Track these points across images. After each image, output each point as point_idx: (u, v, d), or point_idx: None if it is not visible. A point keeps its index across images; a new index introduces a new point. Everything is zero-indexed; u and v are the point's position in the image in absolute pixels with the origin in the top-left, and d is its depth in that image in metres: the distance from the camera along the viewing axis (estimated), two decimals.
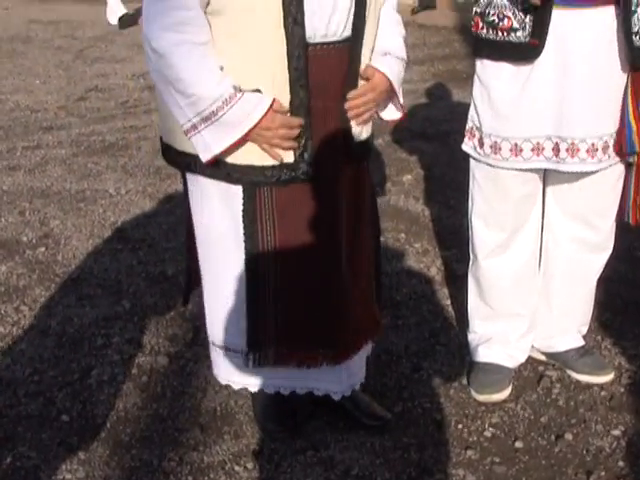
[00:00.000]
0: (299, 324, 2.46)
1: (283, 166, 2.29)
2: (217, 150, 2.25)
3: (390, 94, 2.49)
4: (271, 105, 2.21)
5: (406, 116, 2.60)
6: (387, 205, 4.58)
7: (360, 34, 2.31)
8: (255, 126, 2.21)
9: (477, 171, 2.87)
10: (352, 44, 2.30)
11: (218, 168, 2.31)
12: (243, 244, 2.38)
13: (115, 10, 13.05)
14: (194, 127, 2.23)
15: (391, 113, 2.58)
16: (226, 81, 2.19)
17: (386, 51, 2.44)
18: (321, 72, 2.24)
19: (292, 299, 2.44)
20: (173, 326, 3.47)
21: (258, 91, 2.21)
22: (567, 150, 2.66)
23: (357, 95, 2.36)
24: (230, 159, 2.29)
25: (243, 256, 2.39)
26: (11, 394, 3.04)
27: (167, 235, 4.35)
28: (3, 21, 13.46)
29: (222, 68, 2.21)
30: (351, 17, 2.26)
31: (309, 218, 2.37)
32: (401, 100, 2.54)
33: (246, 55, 2.20)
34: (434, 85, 7.18)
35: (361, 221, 2.52)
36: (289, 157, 2.29)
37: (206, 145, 2.25)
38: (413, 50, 8.79)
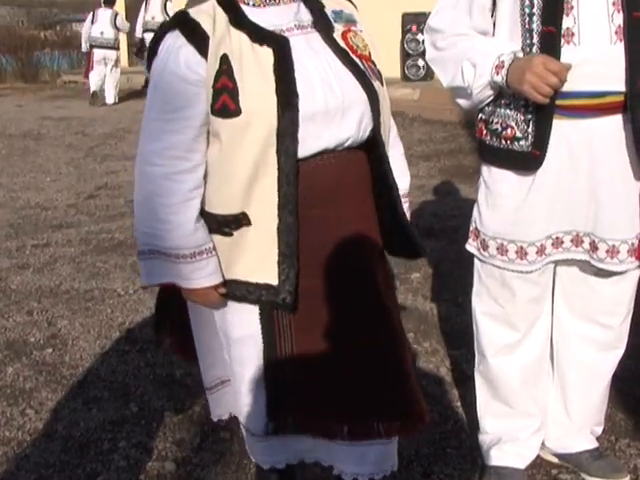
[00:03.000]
0: (317, 400, 2.42)
1: (265, 287, 2.28)
2: (154, 281, 2.39)
3: None
4: (216, 287, 2.31)
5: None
6: None
7: (379, 142, 2.33)
8: (193, 290, 2.31)
9: (483, 271, 2.87)
10: (374, 151, 2.33)
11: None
12: (261, 345, 2.35)
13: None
14: (151, 252, 2.32)
15: None
16: (198, 235, 2.27)
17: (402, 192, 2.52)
18: (321, 181, 2.26)
19: (311, 383, 2.39)
20: (181, 430, 3.43)
21: (244, 214, 2.23)
22: (571, 241, 2.68)
23: None
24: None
25: (261, 357, 2.37)
26: None
27: None
28: (16, 118, 13.72)
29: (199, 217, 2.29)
30: (361, 131, 2.28)
31: (325, 321, 2.34)
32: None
33: (237, 177, 2.21)
34: (441, 181, 7.25)
35: (383, 308, 2.47)
36: (273, 279, 2.27)
37: (150, 273, 2.36)
38: (419, 145, 8.91)
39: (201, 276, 2.29)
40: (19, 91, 19.58)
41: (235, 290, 2.31)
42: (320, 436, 2.43)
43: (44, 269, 5.56)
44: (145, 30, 15.01)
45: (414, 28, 12.65)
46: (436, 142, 8.97)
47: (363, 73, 2.28)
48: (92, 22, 15.16)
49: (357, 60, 2.30)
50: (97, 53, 15.07)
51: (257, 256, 2.27)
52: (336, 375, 2.36)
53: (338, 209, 2.30)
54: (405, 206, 2.51)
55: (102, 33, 15.01)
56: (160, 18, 14.25)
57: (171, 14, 14.09)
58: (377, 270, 2.42)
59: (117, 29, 15.26)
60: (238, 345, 2.38)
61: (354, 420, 2.41)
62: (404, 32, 12.82)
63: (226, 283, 2.32)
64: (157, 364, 4.01)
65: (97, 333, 4.44)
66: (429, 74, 11.84)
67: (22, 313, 4.77)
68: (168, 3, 14.97)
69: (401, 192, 2.48)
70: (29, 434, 3.44)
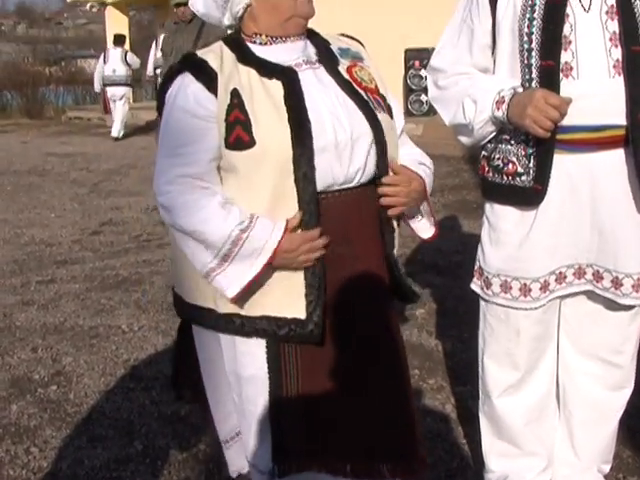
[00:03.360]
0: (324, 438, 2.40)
1: (294, 321, 2.26)
2: (237, 289, 2.22)
3: (421, 204, 2.48)
4: (285, 227, 2.20)
5: (437, 235, 2.58)
6: None
7: (384, 176, 2.33)
8: (274, 254, 2.19)
9: (487, 310, 2.87)
10: (374, 190, 2.32)
11: (231, 321, 2.30)
12: (268, 385, 2.34)
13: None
14: (212, 270, 2.24)
15: (425, 229, 2.55)
16: (230, 220, 2.19)
17: (421, 162, 2.48)
18: (336, 219, 2.26)
19: (317, 421, 2.38)
20: (186, 469, 3.40)
21: None
22: (573, 274, 2.68)
23: (391, 181, 2.33)
24: (244, 312, 2.28)
25: (267, 396, 2.35)
26: None
27: None
28: (21, 154, 13.81)
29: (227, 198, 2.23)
30: (369, 164, 2.29)
31: (331, 361, 2.33)
32: (434, 218, 2.55)
33: (257, 209, 2.21)
34: (445, 216, 7.26)
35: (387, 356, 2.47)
36: (301, 313, 2.26)
37: (229, 283, 2.23)
38: None
39: (265, 238, 2.18)
40: (24, 127, 19.72)
41: (265, 326, 2.28)
42: (323, 472, 2.42)
43: (49, 305, 5.57)
44: (157, 67, 15.25)
45: (417, 64, 12.76)
46: (440, 177, 8.97)
47: (367, 105, 2.30)
48: (104, 62, 15.71)
49: (362, 92, 2.32)
50: (110, 90, 15.67)
51: (284, 290, 2.26)
52: (342, 414, 2.35)
53: (348, 246, 2.31)
54: (428, 179, 2.49)
55: (114, 71, 15.59)
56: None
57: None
58: (385, 310, 2.43)
59: (128, 65, 15.74)
60: (249, 384, 2.37)
61: (358, 459, 2.40)
62: (407, 68, 12.93)
63: (254, 320, 2.28)
64: (162, 402, 3.99)
65: (102, 370, 4.43)
66: (432, 109, 11.76)
67: (27, 350, 4.76)
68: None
69: (425, 164, 2.50)
70: (33, 473, 3.42)
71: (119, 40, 16.26)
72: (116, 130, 15.67)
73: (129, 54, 16.01)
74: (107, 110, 16.27)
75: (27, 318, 5.33)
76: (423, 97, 12.69)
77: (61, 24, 71.04)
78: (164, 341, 4.76)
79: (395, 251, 2.45)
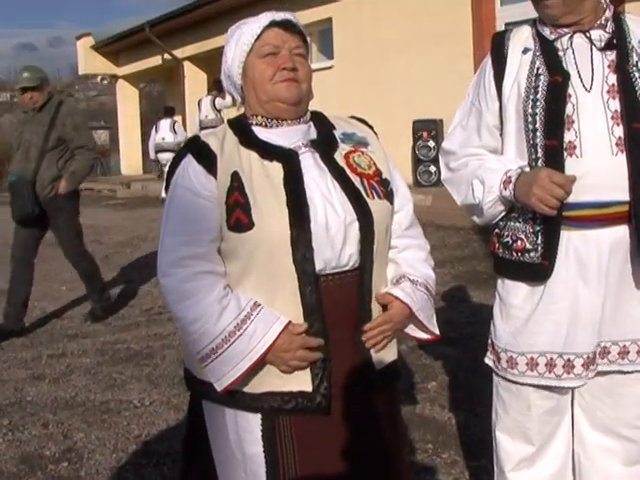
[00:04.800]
0: None
1: (300, 395, 2.27)
2: (225, 383, 2.25)
3: (413, 319, 2.46)
4: (285, 326, 2.22)
5: (438, 338, 2.54)
6: (413, 414, 4.53)
7: (368, 264, 2.32)
8: (268, 351, 2.22)
9: (499, 384, 2.88)
10: (360, 275, 2.32)
11: (235, 397, 2.30)
12: (264, 467, 2.33)
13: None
14: (203, 359, 2.27)
15: (420, 334, 2.53)
16: (227, 314, 2.21)
17: (406, 277, 2.44)
18: (334, 302, 2.27)
19: None
20: None
21: None
22: (583, 365, 2.67)
23: (373, 327, 2.34)
24: (247, 388, 2.29)
25: (265, 477, 2.34)
26: None
27: None
28: None
29: (229, 290, 2.25)
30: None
31: (328, 446, 2.32)
32: (431, 327, 2.50)
33: (258, 291, 2.25)
34: (455, 287, 7.26)
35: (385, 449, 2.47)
36: (307, 386, 2.27)
37: (215, 378, 2.26)
38: (433, 252, 8.86)
39: (261, 334, 2.21)
40: None
41: (271, 402, 2.28)
42: None
43: (60, 380, 5.56)
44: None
45: (425, 134, 12.87)
46: (450, 248, 9.02)
47: (357, 192, 2.32)
48: (156, 131, 17.48)
49: (356, 178, 2.35)
50: (161, 157, 17.24)
51: None
52: None
53: (346, 327, 2.32)
54: (415, 293, 2.43)
55: (163, 139, 17.22)
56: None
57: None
58: (385, 394, 2.45)
59: (176, 133, 17.11)
60: (252, 462, 2.36)
61: None
62: (415, 139, 13.03)
63: (258, 397, 2.29)
64: (173, 478, 3.97)
65: (113, 446, 4.41)
66: (441, 180, 11.93)
67: (37, 425, 4.74)
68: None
69: (413, 280, 2.44)
70: None
71: (169, 111, 17.91)
72: (164, 192, 16.12)
73: (176, 124, 17.53)
74: (160, 176, 17.75)
75: (38, 393, 5.32)
76: (432, 168, 12.77)
77: (72, 96, 71.91)
78: (176, 416, 4.74)
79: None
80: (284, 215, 2.21)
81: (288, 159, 2.30)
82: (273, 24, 2.33)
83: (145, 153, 26.11)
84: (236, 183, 2.24)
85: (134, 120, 25.57)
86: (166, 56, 21.58)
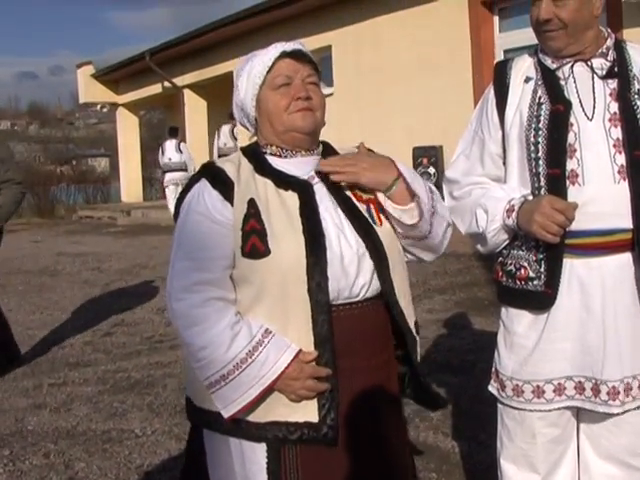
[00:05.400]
0: None
1: (306, 425, 2.26)
2: (233, 410, 2.24)
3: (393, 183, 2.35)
4: (296, 354, 2.22)
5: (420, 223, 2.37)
6: (416, 442, 4.51)
7: (389, 289, 2.34)
8: (278, 378, 2.21)
9: (504, 413, 2.87)
10: (386, 300, 2.34)
11: (240, 426, 2.29)
12: None
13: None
14: (211, 385, 2.26)
15: (409, 217, 2.36)
16: (239, 341, 2.21)
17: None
18: (344, 333, 2.27)
19: None
20: None
21: None
22: (592, 389, 2.67)
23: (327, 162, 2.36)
24: (252, 417, 2.28)
25: None
26: None
27: None
28: (33, 254, 13.90)
29: (240, 317, 2.25)
30: (375, 278, 2.32)
31: (335, 477, 2.31)
32: (419, 191, 2.35)
33: (270, 318, 2.24)
34: (456, 314, 7.25)
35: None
36: (313, 416, 2.26)
37: (223, 405, 2.26)
38: (434, 278, 8.96)
39: (273, 361, 2.21)
40: (35, 226, 19.90)
41: (276, 432, 2.26)
42: None
43: (61, 409, 5.54)
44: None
45: (425, 161, 12.89)
46: (451, 274, 9.02)
47: (366, 224, 2.33)
48: (162, 153, 17.83)
49: (362, 207, 2.36)
50: (167, 176, 17.53)
51: None
52: None
53: (355, 358, 2.31)
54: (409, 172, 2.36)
55: (170, 159, 17.53)
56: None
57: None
58: (392, 422, 2.44)
59: (181, 152, 17.43)
60: None
61: None
62: (415, 165, 13.05)
63: (263, 426, 2.27)
64: None
65: (115, 476, 4.38)
66: None
67: (39, 455, 4.71)
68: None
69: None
70: None
71: (173, 132, 18.14)
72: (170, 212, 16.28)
73: (182, 144, 17.87)
74: (164, 195, 18.10)
75: (39, 422, 5.29)
76: None
77: (72, 124, 72.27)
78: (177, 446, 4.71)
79: (415, 358, 2.45)
80: (300, 243, 2.22)
81: (303, 189, 2.31)
82: (284, 55, 2.34)
83: (145, 180, 26.29)
84: (253, 210, 2.25)
85: (134, 147, 25.64)
86: (166, 84, 21.66)
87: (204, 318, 2.23)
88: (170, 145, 17.64)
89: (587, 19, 2.60)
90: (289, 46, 2.36)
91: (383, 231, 2.35)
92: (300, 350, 2.23)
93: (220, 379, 2.23)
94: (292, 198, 2.29)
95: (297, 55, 2.36)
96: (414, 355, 2.44)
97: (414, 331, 2.44)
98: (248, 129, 2.47)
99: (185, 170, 17.07)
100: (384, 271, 2.32)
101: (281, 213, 2.26)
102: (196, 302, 2.24)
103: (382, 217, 2.37)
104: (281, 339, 2.23)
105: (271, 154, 2.38)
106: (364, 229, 2.31)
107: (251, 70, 2.35)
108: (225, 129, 17.36)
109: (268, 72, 2.33)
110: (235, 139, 16.59)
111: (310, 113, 2.34)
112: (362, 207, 2.36)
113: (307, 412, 2.26)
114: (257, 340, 2.22)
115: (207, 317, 2.23)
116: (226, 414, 2.26)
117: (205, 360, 2.24)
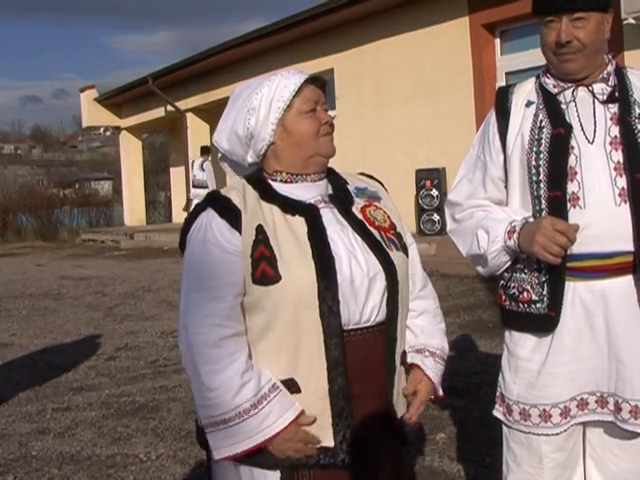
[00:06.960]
0: None
1: (323, 450, 2.27)
2: (224, 454, 2.26)
3: None
4: (296, 418, 2.24)
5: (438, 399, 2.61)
6: (422, 467, 4.50)
7: (394, 314, 2.36)
8: (276, 436, 2.22)
9: (510, 436, 2.85)
10: (387, 324, 2.34)
11: (254, 453, 2.27)
12: None
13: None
14: (211, 425, 2.26)
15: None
16: (246, 390, 2.21)
17: (426, 349, 2.51)
18: (357, 357, 2.28)
19: None
20: None
21: (292, 381, 2.25)
22: (596, 402, 2.66)
23: (415, 414, 2.43)
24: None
25: None
26: None
27: None
28: (36, 278, 13.90)
29: (251, 364, 2.25)
30: (384, 303, 2.33)
31: None
32: (439, 392, 2.57)
33: (282, 344, 2.25)
34: (461, 336, 7.23)
35: None
36: (329, 441, 2.27)
37: (216, 446, 2.27)
38: (438, 300, 8.92)
39: (274, 419, 2.22)
40: (39, 250, 19.91)
41: (292, 459, 2.26)
42: None
43: (65, 434, 5.52)
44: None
45: (428, 183, 12.93)
46: (455, 297, 9.01)
47: (379, 244, 2.35)
48: (192, 169, 19.21)
49: (375, 232, 2.38)
50: (192, 191, 18.77)
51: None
52: None
53: (366, 383, 2.32)
54: (436, 367, 2.51)
55: (195, 176, 18.85)
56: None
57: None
58: (398, 448, 2.46)
59: (204, 171, 18.54)
60: None
61: None
62: (418, 188, 13.09)
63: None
64: None
65: None
66: (444, 228, 11.99)
67: None
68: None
69: (436, 354, 2.51)
70: None
71: (204, 150, 19.03)
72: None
73: (206, 163, 18.64)
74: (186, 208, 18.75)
75: (43, 447, 5.28)
76: (435, 216, 12.82)
77: (75, 147, 72.52)
78: (182, 470, 4.70)
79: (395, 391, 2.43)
80: (311, 268, 2.23)
81: (311, 213, 2.32)
82: (309, 80, 2.38)
83: (148, 203, 26.36)
84: (261, 236, 2.25)
85: (137, 171, 25.70)
86: (169, 108, 21.75)
87: (217, 359, 2.23)
88: (197, 163, 18.90)
89: (601, 41, 2.63)
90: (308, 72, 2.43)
91: (394, 258, 2.37)
92: (302, 411, 2.25)
93: (221, 422, 2.24)
94: (300, 222, 2.30)
95: (318, 81, 2.42)
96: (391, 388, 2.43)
97: (397, 362, 2.42)
98: (239, 163, 2.46)
99: (207, 187, 17.69)
100: (393, 293, 2.34)
101: (290, 238, 2.26)
102: (210, 339, 2.24)
103: (393, 245, 2.40)
104: (286, 396, 2.25)
105: (281, 181, 2.38)
106: (378, 250, 2.33)
107: (272, 94, 2.34)
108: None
109: (294, 97, 2.34)
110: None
111: (332, 137, 2.41)
112: (374, 232, 2.38)
113: (323, 437, 2.27)
114: (263, 393, 2.23)
115: (219, 358, 2.23)
116: (217, 456, 2.27)
117: (211, 401, 2.24)
